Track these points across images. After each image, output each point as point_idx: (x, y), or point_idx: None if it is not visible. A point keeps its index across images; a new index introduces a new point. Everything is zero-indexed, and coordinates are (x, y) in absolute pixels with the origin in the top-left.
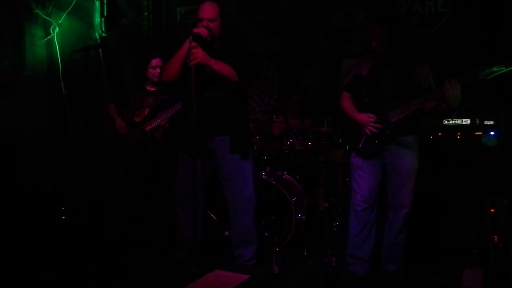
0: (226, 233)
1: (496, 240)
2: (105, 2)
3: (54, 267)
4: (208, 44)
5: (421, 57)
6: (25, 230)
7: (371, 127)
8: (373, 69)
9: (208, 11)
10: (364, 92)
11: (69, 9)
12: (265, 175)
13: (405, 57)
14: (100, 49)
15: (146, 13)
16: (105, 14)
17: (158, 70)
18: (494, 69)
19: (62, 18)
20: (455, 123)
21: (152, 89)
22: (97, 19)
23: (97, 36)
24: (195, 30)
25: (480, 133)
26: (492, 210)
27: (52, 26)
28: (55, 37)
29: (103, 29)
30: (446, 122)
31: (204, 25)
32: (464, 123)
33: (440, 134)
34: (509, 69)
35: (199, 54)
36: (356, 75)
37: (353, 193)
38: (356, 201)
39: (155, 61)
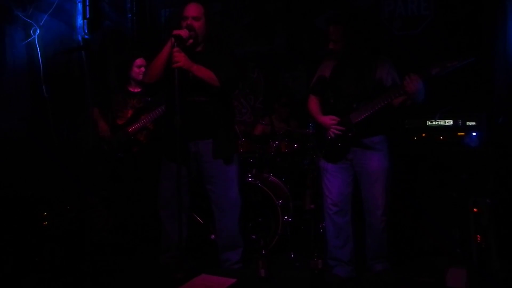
0: (212, 236)
1: (479, 239)
2: (87, 4)
3: (37, 274)
4: (190, 46)
5: (384, 55)
6: (6, 235)
7: (333, 129)
8: (335, 70)
9: (192, 9)
10: (329, 94)
11: (50, 11)
12: (251, 177)
13: (365, 56)
14: (83, 52)
15: (130, 15)
16: (87, 16)
17: (142, 69)
18: (448, 64)
19: (43, 20)
20: (438, 124)
21: (136, 90)
22: (79, 21)
23: (80, 39)
24: (176, 32)
25: (463, 133)
26: (475, 209)
27: (33, 28)
28: (36, 39)
29: (86, 31)
30: (429, 123)
31: (188, 22)
32: (447, 124)
33: (423, 135)
34: (462, 63)
35: (181, 59)
36: (319, 77)
37: (324, 197)
38: (327, 204)
39: (140, 61)
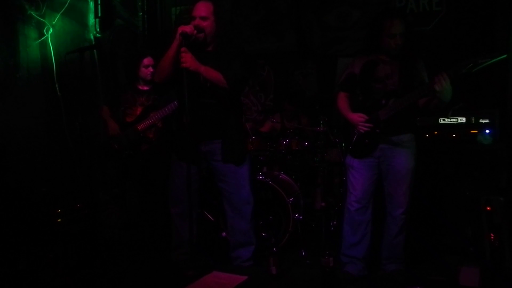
0: (224, 233)
1: (492, 238)
2: (99, 2)
3: (51, 270)
4: (198, 44)
5: (415, 53)
6: (20, 232)
7: (361, 126)
8: (366, 67)
9: (201, 9)
10: (358, 91)
11: (63, 10)
12: (261, 175)
13: (406, 54)
14: (94, 50)
15: (141, 13)
16: (99, 15)
17: (150, 69)
18: (479, 60)
19: (56, 19)
20: (450, 121)
21: (145, 88)
22: (91, 19)
23: (92, 37)
24: (181, 29)
25: (476, 131)
26: (488, 208)
27: (46, 27)
28: (49, 38)
29: (98, 29)
30: (441, 120)
31: (195, 23)
32: (459, 121)
33: (435, 132)
34: (493, 60)
35: (187, 59)
36: (349, 74)
37: (348, 193)
38: (349, 201)
39: (147, 60)
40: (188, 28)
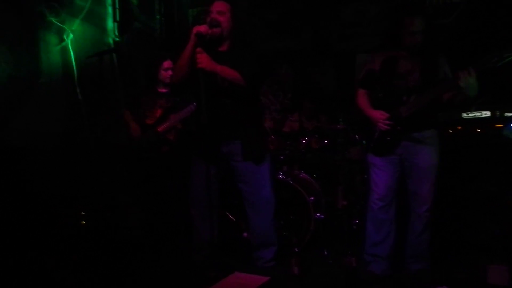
0: (245, 234)
1: None
2: (117, 6)
3: (74, 270)
4: (213, 42)
5: (436, 47)
6: (43, 235)
7: (382, 123)
8: (386, 64)
9: (218, 5)
10: (378, 88)
11: (82, 15)
12: (282, 174)
13: (426, 50)
14: (113, 54)
15: (158, 16)
16: (117, 19)
17: (169, 72)
18: (505, 54)
19: (76, 24)
20: (474, 116)
21: (164, 90)
22: (110, 24)
23: (111, 41)
24: (195, 29)
25: (501, 125)
26: None
27: (66, 33)
28: (69, 44)
29: (116, 33)
30: (465, 115)
31: (212, 16)
32: (483, 115)
33: (459, 127)
34: None
35: (203, 60)
36: (369, 71)
37: (370, 192)
38: (372, 199)
39: (167, 63)
40: (202, 28)
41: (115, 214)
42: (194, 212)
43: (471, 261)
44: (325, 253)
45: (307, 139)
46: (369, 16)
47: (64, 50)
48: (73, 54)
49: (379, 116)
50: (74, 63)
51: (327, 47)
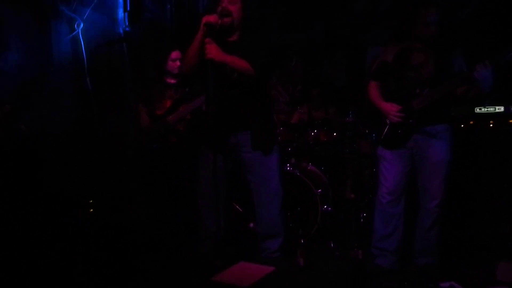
0: (251, 225)
1: None
2: None
3: (83, 262)
4: (224, 32)
5: (451, 40)
6: (52, 223)
7: (393, 116)
8: (399, 56)
9: None
10: (390, 80)
11: (92, 5)
12: (289, 166)
13: (442, 41)
14: (124, 44)
15: (169, 6)
16: (128, 9)
17: (177, 63)
18: None
19: (86, 14)
20: (487, 111)
21: (172, 81)
22: (120, 13)
23: (121, 31)
24: (205, 19)
25: None
26: None
27: (76, 22)
28: (80, 33)
29: (127, 23)
30: (478, 110)
31: (223, 5)
32: (497, 110)
33: (471, 122)
34: None
35: (212, 50)
36: (381, 62)
37: (379, 185)
38: (381, 193)
39: (175, 54)
40: (212, 18)
41: (123, 204)
42: (202, 203)
43: (480, 257)
44: (332, 245)
45: (315, 131)
46: (382, 8)
47: (75, 40)
48: (84, 44)
49: (391, 108)
50: (84, 52)
51: (338, 39)
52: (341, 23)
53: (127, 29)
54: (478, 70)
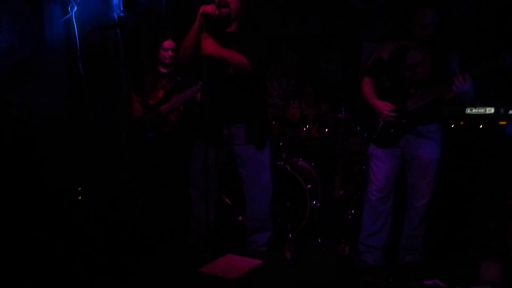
0: (240, 218)
1: None
2: None
3: (71, 248)
4: (221, 23)
5: (448, 39)
6: (41, 207)
7: (387, 115)
8: (395, 54)
9: None
10: (385, 77)
11: None
12: (280, 161)
13: (438, 41)
14: (118, 29)
15: None
16: None
17: (170, 52)
18: (501, 63)
19: None
20: (478, 112)
21: (165, 71)
22: None
23: (115, 16)
24: (202, 8)
25: (505, 122)
26: None
27: (70, 5)
28: (73, 16)
29: (121, 8)
30: (468, 110)
31: None
32: (487, 112)
33: (462, 123)
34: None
35: (208, 45)
36: (377, 59)
37: (369, 183)
38: (370, 190)
39: (167, 43)
40: (209, 8)
41: (113, 193)
42: (194, 194)
43: (465, 256)
44: (319, 241)
45: (307, 126)
46: (379, 4)
47: (68, 23)
48: (77, 28)
49: (384, 107)
50: (77, 36)
51: (334, 34)
52: (338, 18)
53: (121, 14)
54: (457, 84)
